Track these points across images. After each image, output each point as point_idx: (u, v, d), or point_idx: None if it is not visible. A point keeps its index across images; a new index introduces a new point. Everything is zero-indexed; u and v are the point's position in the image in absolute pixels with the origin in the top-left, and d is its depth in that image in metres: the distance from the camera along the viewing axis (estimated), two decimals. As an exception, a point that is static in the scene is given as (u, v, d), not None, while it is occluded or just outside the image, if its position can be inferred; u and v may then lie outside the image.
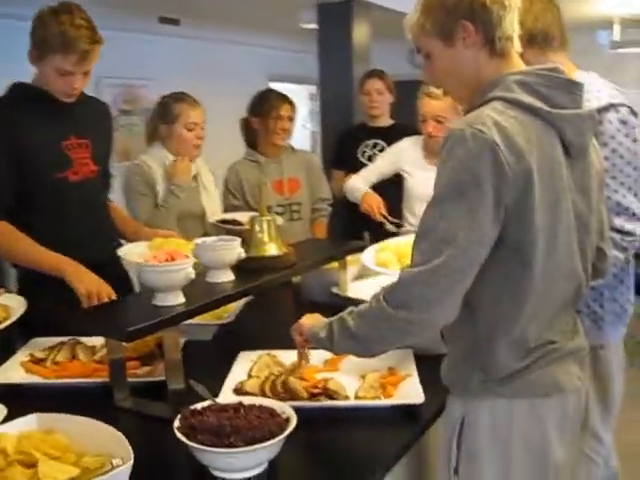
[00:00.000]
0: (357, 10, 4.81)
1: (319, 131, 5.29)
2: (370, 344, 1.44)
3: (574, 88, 1.42)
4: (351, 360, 1.88)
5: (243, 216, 2.86)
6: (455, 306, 1.33)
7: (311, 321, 1.63)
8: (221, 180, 3.23)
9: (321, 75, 4.93)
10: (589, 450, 2.19)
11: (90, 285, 2.04)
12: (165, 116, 2.86)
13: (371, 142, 3.84)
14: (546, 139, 1.35)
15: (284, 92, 3.38)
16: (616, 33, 6.32)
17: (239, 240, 1.88)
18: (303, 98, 8.58)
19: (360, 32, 4.88)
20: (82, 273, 2.08)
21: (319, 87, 4.90)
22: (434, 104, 2.99)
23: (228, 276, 1.86)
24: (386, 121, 3.89)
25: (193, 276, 1.63)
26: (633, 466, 2.67)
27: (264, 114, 3.23)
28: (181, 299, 1.65)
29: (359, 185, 3.31)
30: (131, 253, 2.35)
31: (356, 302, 2.36)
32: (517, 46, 1.44)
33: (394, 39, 7.14)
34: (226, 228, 2.78)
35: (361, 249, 2.49)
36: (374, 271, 2.45)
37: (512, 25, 1.42)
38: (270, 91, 3.37)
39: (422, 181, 3.10)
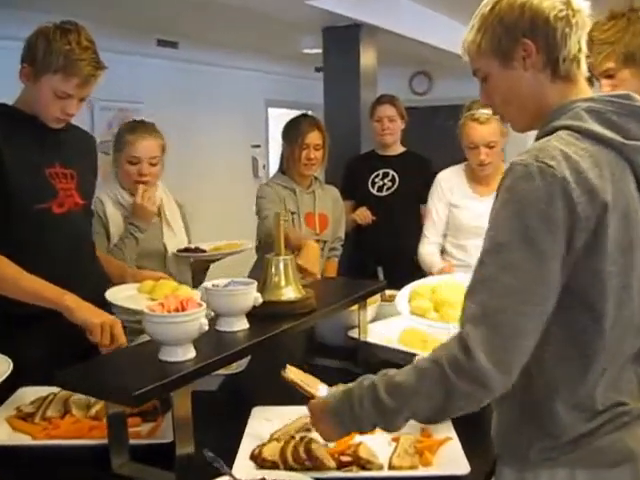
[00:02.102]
0: (364, 34, 4.66)
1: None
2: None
3: None
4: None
5: (208, 244, 2.68)
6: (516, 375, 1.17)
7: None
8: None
9: (326, 101, 4.77)
10: None
11: (101, 317, 1.82)
12: (116, 145, 2.61)
13: (382, 172, 3.63)
14: (620, 174, 1.19)
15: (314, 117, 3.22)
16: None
17: (255, 284, 1.68)
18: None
19: (367, 56, 4.73)
20: (86, 306, 1.85)
21: (325, 113, 4.73)
22: (484, 129, 2.73)
23: (242, 324, 1.65)
24: (397, 149, 3.69)
25: (206, 327, 1.42)
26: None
27: (291, 141, 3.05)
28: (192, 353, 1.43)
29: (435, 259, 2.93)
30: (117, 297, 2.11)
31: (372, 347, 2.19)
32: (584, 70, 1.28)
33: (395, 65, 7.05)
34: (189, 256, 2.61)
35: (382, 289, 2.30)
36: (394, 313, 2.27)
37: (579, 45, 1.26)
38: (301, 117, 3.18)
39: (472, 214, 2.83)
